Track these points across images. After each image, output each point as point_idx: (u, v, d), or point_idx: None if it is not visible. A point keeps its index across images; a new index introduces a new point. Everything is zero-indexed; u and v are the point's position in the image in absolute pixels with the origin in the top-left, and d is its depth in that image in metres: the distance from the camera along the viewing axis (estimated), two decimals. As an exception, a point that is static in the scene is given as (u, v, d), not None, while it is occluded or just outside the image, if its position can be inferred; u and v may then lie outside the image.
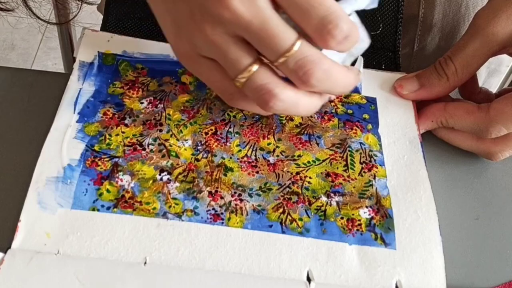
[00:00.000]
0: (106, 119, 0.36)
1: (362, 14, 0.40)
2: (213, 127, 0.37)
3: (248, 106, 0.35)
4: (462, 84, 0.39)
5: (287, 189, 0.35)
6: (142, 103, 0.38)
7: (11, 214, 0.32)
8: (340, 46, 0.30)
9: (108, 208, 0.32)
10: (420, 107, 0.40)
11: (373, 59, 0.47)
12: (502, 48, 0.37)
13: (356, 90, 0.41)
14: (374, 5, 0.35)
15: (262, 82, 0.31)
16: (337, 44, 0.30)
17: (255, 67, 0.31)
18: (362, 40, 0.35)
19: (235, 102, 0.35)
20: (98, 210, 0.32)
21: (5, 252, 0.30)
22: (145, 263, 0.31)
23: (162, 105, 0.38)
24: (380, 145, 0.38)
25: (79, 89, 0.37)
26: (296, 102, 0.32)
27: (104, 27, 0.51)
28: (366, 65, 0.43)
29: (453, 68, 0.38)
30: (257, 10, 0.30)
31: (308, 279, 0.31)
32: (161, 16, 0.34)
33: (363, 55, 0.48)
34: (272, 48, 0.30)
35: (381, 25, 0.46)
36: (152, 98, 0.38)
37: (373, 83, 0.41)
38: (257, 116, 0.38)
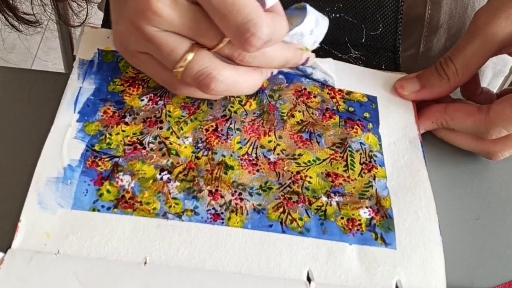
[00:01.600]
0: (107, 118, 0.36)
1: (362, 16, 0.40)
2: (213, 123, 0.37)
3: (192, 92, 0.36)
4: (464, 84, 0.39)
5: (288, 188, 0.35)
6: (142, 100, 0.38)
7: (11, 214, 0.32)
8: (263, 48, 0.32)
9: (109, 209, 0.32)
10: (421, 107, 0.40)
11: (373, 59, 0.47)
12: (502, 48, 0.37)
13: (327, 84, 0.41)
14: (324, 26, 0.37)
15: (200, 68, 0.32)
16: (257, 49, 0.31)
17: (190, 55, 0.32)
18: (318, 24, 0.36)
19: (179, 91, 0.36)
20: (98, 210, 0.32)
21: (5, 252, 0.30)
22: (145, 263, 0.31)
23: (162, 102, 0.38)
24: (380, 145, 0.38)
25: (79, 87, 0.37)
26: (236, 81, 0.33)
27: (105, 27, 0.51)
28: (366, 65, 0.43)
29: (454, 68, 0.38)
30: (183, 9, 0.31)
31: (308, 279, 0.31)
32: (111, 12, 0.35)
33: (364, 56, 0.48)
34: (205, 41, 0.32)
35: (381, 25, 0.46)
36: (152, 95, 0.38)
37: (374, 83, 0.41)
38: (258, 112, 0.38)
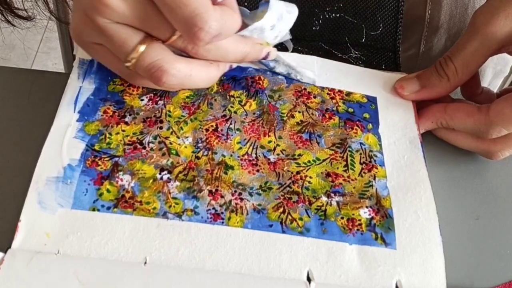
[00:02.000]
0: (106, 117, 0.36)
1: (362, 16, 0.40)
2: (213, 124, 0.37)
3: (149, 83, 0.36)
4: (464, 84, 0.39)
5: (288, 188, 0.35)
6: (142, 100, 0.38)
7: (11, 214, 0.32)
8: (214, 42, 0.32)
9: (108, 208, 0.32)
10: (420, 107, 0.40)
11: (373, 59, 0.47)
12: (501, 47, 0.37)
13: (289, 77, 0.40)
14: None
15: (152, 60, 0.32)
16: (206, 43, 0.31)
17: (142, 47, 0.32)
18: (281, 19, 0.36)
19: (134, 82, 0.36)
20: (98, 210, 0.32)
21: (5, 252, 0.30)
22: (145, 263, 0.31)
23: (162, 102, 0.38)
24: (380, 145, 0.38)
25: (79, 87, 0.37)
26: (189, 74, 0.33)
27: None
28: (366, 65, 0.43)
29: (453, 68, 0.38)
30: (135, 1, 0.31)
31: (308, 279, 0.31)
32: (73, 3, 0.35)
33: (364, 56, 0.48)
34: (157, 34, 0.32)
35: (381, 25, 0.46)
36: (152, 94, 0.38)
37: (374, 83, 0.41)
38: (258, 112, 0.38)
